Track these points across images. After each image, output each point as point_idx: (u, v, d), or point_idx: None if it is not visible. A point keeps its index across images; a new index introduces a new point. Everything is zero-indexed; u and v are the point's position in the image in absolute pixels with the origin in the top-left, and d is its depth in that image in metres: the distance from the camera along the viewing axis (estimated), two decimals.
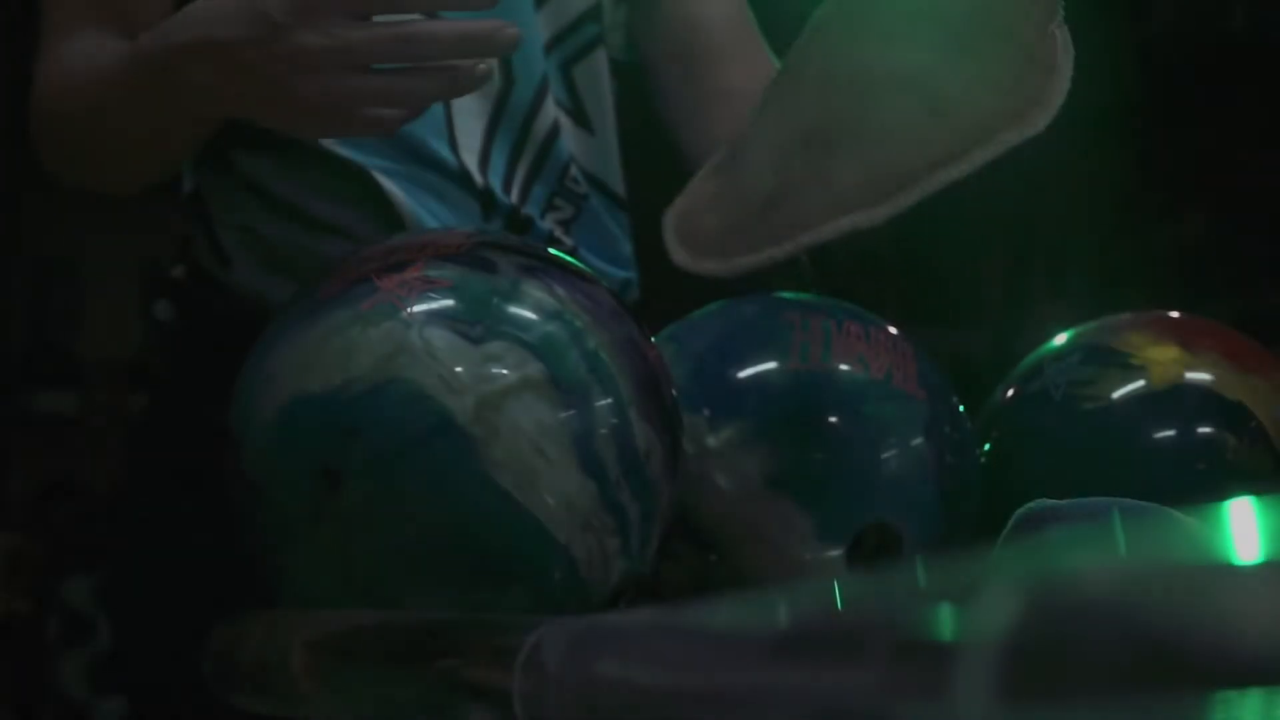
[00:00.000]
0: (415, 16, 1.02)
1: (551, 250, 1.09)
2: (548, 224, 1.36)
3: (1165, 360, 1.21)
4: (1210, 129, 4.99)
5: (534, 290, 1.01)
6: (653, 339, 1.09)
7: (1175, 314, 1.28)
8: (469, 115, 1.32)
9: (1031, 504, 0.97)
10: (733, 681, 0.58)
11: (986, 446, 1.27)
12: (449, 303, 0.99)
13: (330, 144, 1.29)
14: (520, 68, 1.35)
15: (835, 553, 1.12)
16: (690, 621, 0.61)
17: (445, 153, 1.31)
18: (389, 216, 1.28)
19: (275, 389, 1.01)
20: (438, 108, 1.31)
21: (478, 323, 0.98)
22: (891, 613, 0.55)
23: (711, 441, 1.13)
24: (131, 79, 1.12)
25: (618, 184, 1.43)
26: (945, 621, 0.50)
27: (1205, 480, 1.18)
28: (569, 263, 1.07)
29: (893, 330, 1.20)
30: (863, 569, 1.13)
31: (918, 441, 1.15)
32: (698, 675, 0.59)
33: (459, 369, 0.97)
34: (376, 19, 1.02)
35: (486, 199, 1.32)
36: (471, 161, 1.32)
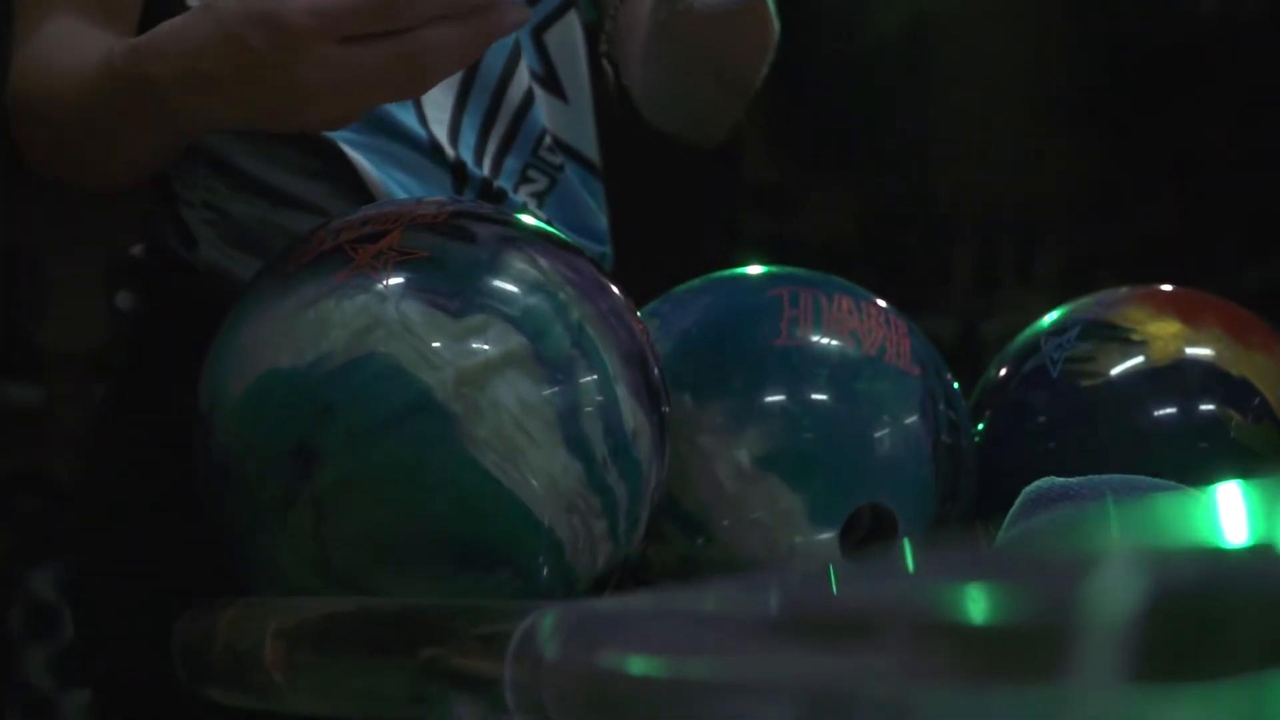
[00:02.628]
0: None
1: (533, 220, 1.05)
2: (521, 197, 1.32)
3: (1166, 335, 1.17)
4: (1181, 112, 4.98)
5: (515, 261, 0.97)
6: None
7: (1175, 288, 1.24)
8: (438, 86, 1.28)
9: (1040, 483, 0.94)
10: (743, 669, 0.54)
11: (980, 425, 1.23)
12: (426, 274, 0.95)
13: None
14: None
15: (827, 535, 1.08)
16: (697, 606, 0.57)
17: (413, 125, 1.27)
18: (358, 190, 1.24)
19: (245, 366, 0.97)
20: None
21: (457, 295, 0.94)
22: (906, 594, 0.51)
23: (699, 421, 1.09)
24: (112, 98, 1.07)
25: (593, 152, 1.39)
26: (967, 602, 0.47)
27: (1208, 459, 1.14)
28: (551, 233, 1.03)
29: (884, 305, 1.16)
30: (856, 552, 1.09)
31: (912, 420, 1.11)
32: (707, 663, 0.55)
33: (438, 343, 0.93)
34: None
35: (458, 171, 1.28)
36: (441, 133, 1.28)
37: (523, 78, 1.32)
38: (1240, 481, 0.40)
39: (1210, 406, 1.16)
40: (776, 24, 1.32)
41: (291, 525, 0.95)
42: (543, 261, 0.98)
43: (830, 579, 0.56)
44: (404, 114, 1.27)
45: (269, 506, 0.95)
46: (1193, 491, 0.87)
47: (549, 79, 1.35)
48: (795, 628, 0.53)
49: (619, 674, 0.57)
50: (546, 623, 0.65)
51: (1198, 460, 1.14)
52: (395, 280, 0.94)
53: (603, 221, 1.39)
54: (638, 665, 0.56)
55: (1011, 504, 1.00)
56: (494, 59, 1.30)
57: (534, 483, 0.93)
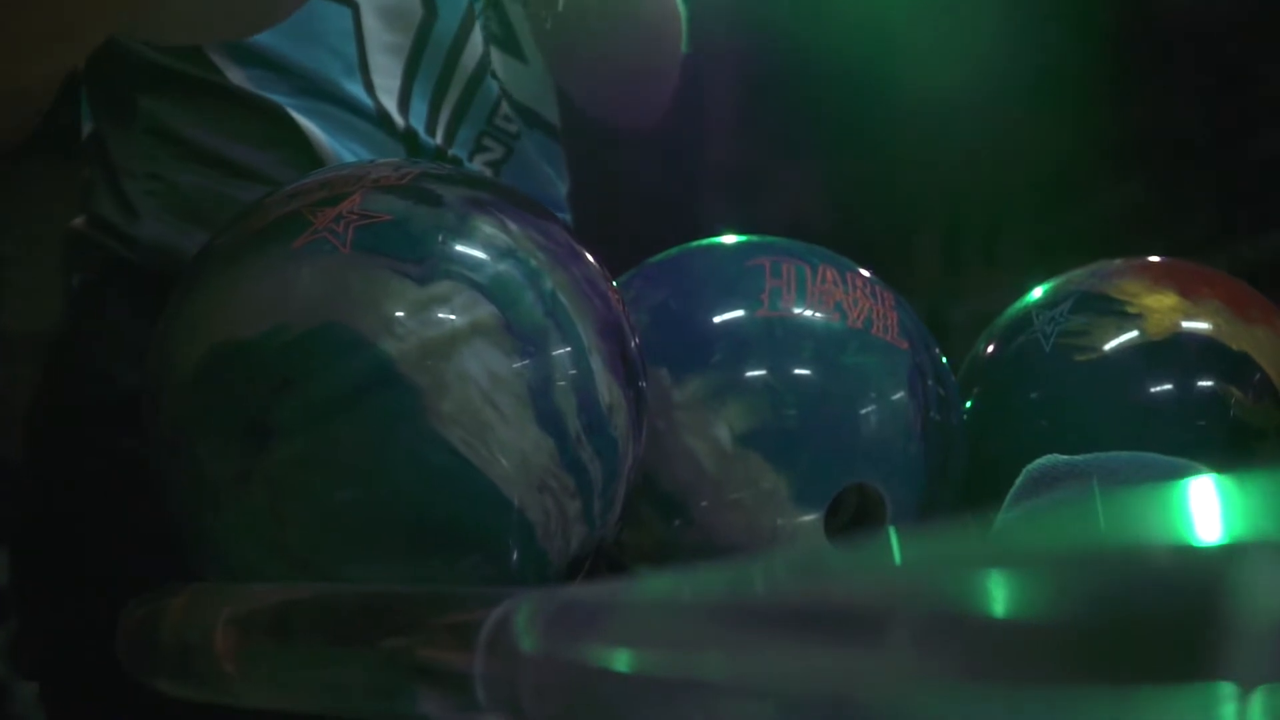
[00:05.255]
0: None
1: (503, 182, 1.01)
2: (476, 166, 1.27)
3: (1163, 308, 1.13)
4: (1148, 94, 4.96)
5: (484, 225, 0.92)
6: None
7: (1172, 259, 1.20)
8: (386, 52, 1.24)
9: (1043, 460, 0.89)
10: (738, 665, 0.49)
11: (969, 404, 1.18)
12: (389, 239, 0.90)
13: (242, 82, 1.20)
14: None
15: (812, 517, 1.04)
16: (687, 595, 0.51)
17: (360, 94, 1.22)
18: (309, 158, 1.20)
19: (197, 337, 0.92)
20: (349, 46, 1.23)
21: (422, 261, 0.89)
22: (918, 586, 0.46)
23: (676, 396, 1.04)
24: None
25: (553, 114, 1.36)
26: (988, 593, 0.42)
27: (1207, 437, 1.10)
28: (522, 196, 0.98)
29: (870, 275, 1.11)
30: (842, 535, 1.04)
31: (900, 396, 1.07)
32: (699, 658, 0.50)
33: (401, 312, 0.88)
34: None
35: (409, 142, 1.24)
36: (390, 103, 1.24)
37: (476, 44, 1.28)
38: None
39: (1209, 383, 1.12)
40: (678, 10, 1.31)
41: (245, 505, 0.90)
42: (513, 226, 0.93)
43: (832, 566, 0.52)
44: (350, 83, 1.22)
45: (221, 485, 0.90)
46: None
47: (508, 40, 1.30)
48: (795, 619, 0.48)
49: (603, 669, 0.52)
50: (522, 612, 0.59)
51: (1196, 439, 1.10)
52: (356, 245, 0.89)
53: (561, 189, 1.35)
54: (624, 660, 0.51)
55: (1004, 484, 0.95)
56: (447, 22, 1.26)
57: (503, 461, 0.88)
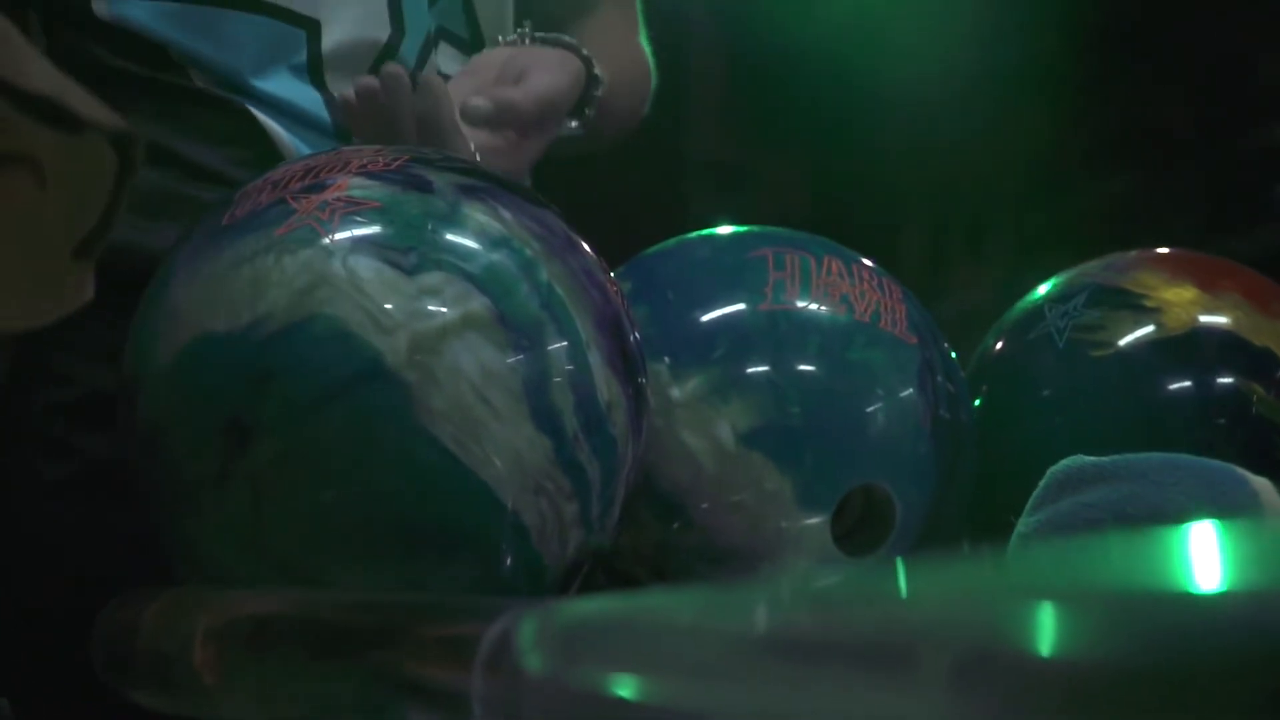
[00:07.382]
0: None
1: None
2: None
3: (1181, 302, 1.11)
4: (1136, 86, 4.94)
5: (476, 213, 0.89)
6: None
7: (1189, 251, 1.16)
8: (346, 68, 1.19)
9: (1068, 462, 0.85)
10: (768, 697, 0.45)
11: (978, 401, 1.15)
12: (377, 227, 0.87)
13: (205, 84, 1.18)
14: (411, 18, 1.23)
15: (817, 520, 1.01)
16: (721, 613, 0.47)
17: (317, 109, 1.19)
18: (273, 157, 1.17)
19: (175, 329, 0.89)
20: (301, 62, 1.20)
21: (411, 250, 0.87)
22: (955, 615, 0.42)
23: (676, 393, 1.01)
24: None
25: None
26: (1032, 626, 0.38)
27: (1228, 435, 1.08)
28: (516, 184, 0.95)
29: (875, 267, 1.08)
30: (849, 538, 1.01)
31: (908, 393, 1.04)
32: (729, 687, 0.46)
33: (389, 304, 0.85)
34: None
35: None
36: None
37: (435, 65, 1.25)
38: None
39: (1230, 379, 1.09)
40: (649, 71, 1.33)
41: (225, 506, 0.87)
42: (506, 214, 0.90)
43: (859, 592, 0.48)
44: (303, 97, 1.19)
45: (200, 485, 0.88)
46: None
47: (475, 45, 1.28)
48: (823, 653, 0.44)
49: (619, 696, 0.47)
50: (525, 628, 0.55)
51: (1217, 437, 1.07)
52: (342, 233, 0.87)
53: None
54: (641, 687, 0.47)
55: (1015, 486, 0.92)
56: (412, 41, 1.23)
57: (496, 461, 0.85)
